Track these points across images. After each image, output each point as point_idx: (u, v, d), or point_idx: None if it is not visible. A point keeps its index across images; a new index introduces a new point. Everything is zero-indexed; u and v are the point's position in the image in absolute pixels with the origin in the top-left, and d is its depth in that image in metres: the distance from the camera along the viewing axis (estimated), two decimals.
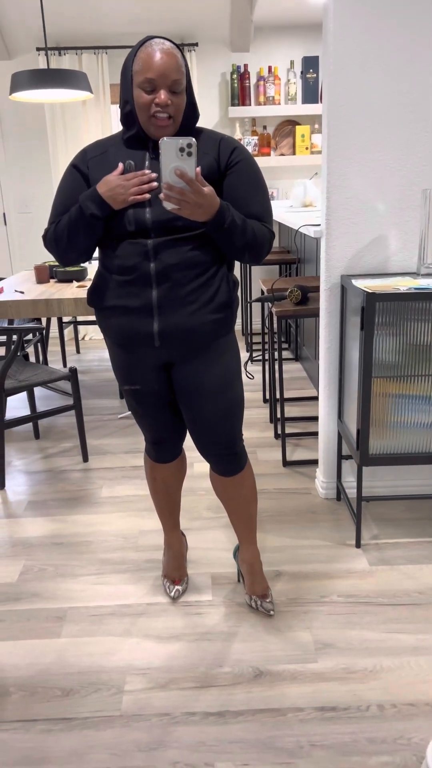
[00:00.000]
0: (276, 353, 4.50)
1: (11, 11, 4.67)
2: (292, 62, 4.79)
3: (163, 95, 1.46)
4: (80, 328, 5.54)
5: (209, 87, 4.91)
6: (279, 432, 3.23)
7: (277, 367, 3.59)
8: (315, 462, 2.88)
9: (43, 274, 3.62)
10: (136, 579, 2.11)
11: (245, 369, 3.00)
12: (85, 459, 3.03)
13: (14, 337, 3.35)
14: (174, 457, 1.91)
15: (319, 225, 2.68)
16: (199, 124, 5.03)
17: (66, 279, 3.64)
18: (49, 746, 1.50)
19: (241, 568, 2.00)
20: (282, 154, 5.04)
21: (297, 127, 4.91)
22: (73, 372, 2.92)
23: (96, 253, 5.23)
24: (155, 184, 1.51)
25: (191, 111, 1.56)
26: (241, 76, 4.79)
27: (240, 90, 4.82)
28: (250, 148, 4.91)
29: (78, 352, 5.04)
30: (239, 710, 1.58)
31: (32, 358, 4.93)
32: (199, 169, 1.40)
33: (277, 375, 3.73)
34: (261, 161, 4.94)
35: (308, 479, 2.75)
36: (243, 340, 5.15)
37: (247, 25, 4.52)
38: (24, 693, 1.66)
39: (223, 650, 1.78)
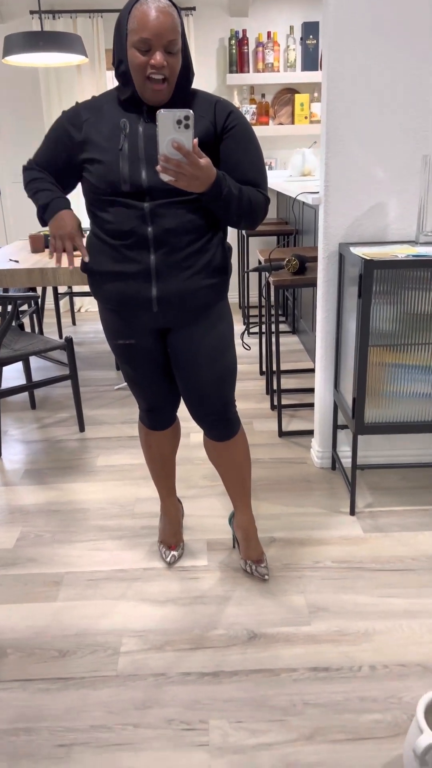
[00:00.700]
0: (273, 325, 4.49)
1: None
2: (291, 28, 4.69)
3: (158, 56, 1.42)
4: (76, 299, 5.51)
5: (207, 53, 4.82)
6: (275, 403, 3.24)
7: (274, 339, 3.59)
8: (310, 432, 2.89)
9: (38, 243, 3.58)
10: (132, 545, 2.13)
11: (242, 340, 2.99)
12: (82, 429, 3.03)
13: (9, 307, 3.34)
14: (168, 425, 1.92)
15: (317, 193, 2.65)
16: None
17: None
18: (46, 704, 1.53)
19: (236, 533, 2.02)
20: (281, 123, 4.97)
21: (296, 95, 4.82)
22: (69, 342, 2.90)
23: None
24: (87, 259, 1.59)
25: (186, 73, 1.52)
26: (239, 41, 4.69)
27: (238, 56, 4.73)
28: (248, 117, 4.83)
29: (74, 323, 5.01)
30: (234, 670, 1.60)
31: (27, 329, 4.91)
32: (196, 140, 1.38)
33: (273, 347, 3.72)
34: (259, 130, 4.86)
35: (304, 449, 2.76)
36: (240, 312, 5.13)
37: None
38: (21, 654, 1.68)
39: (217, 613, 1.80)
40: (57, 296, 4.46)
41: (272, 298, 3.29)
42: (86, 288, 5.32)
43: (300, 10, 4.75)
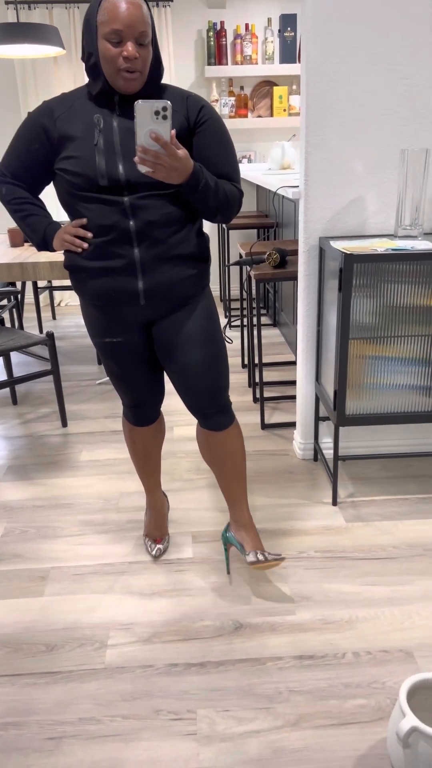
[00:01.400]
0: (255, 318, 4.51)
1: None
2: (269, 20, 4.69)
3: (130, 47, 1.42)
4: (56, 293, 5.47)
5: (185, 45, 4.80)
6: (257, 396, 3.26)
7: (255, 332, 3.60)
8: (293, 424, 2.92)
9: (17, 238, 3.55)
10: (117, 539, 2.14)
11: (224, 334, 3.01)
12: (64, 424, 3.03)
13: None
14: (153, 420, 1.92)
15: (297, 187, 2.66)
16: (176, 84, 4.92)
17: None
18: (35, 698, 1.54)
19: (237, 536, 1.91)
20: (259, 116, 4.97)
21: (275, 88, 4.83)
22: (50, 336, 2.89)
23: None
24: (89, 234, 1.56)
25: (156, 65, 1.53)
26: (217, 33, 4.68)
27: (216, 48, 4.71)
28: (227, 110, 4.83)
29: (54, 318, 4.99)
30: (220, 660, 1.63)
31: (7, 324, 4.87)
32: (174, 132, 1.39)
33: (255, 340, 3.74)
34: (238, 123, 4.86)
35: (286, 441, 2.79)
36: (221, 305, 5.14)
37: None
38: (8, 649, 1.69)
39: (204, 605, 1.83)
40: (36, 290, 4.43)
41: (254, 292, 3.31)
42: (66, 282, 5.29)
43: (278, 2, 4.74)
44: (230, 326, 4.55)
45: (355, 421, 2.17)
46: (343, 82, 2.12)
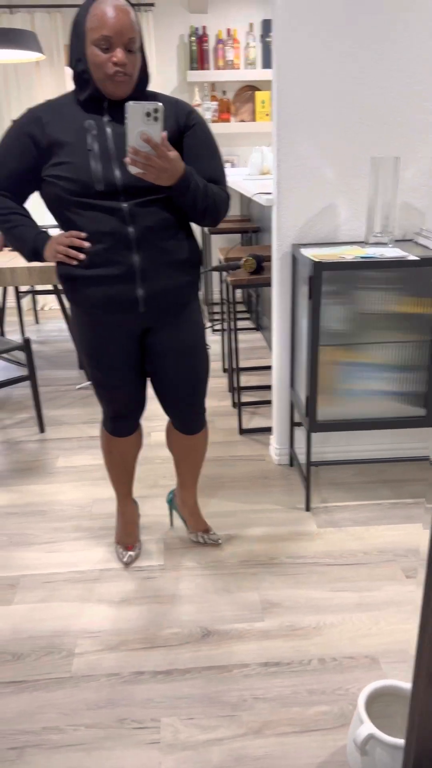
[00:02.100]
0: (235, 323, 4.51)
1: None
2: (251, 25, 4.71)
3: (120, 53, 1.44)
4: (39, 298, 5.46)
5: (167, 50, 4.80)
6: (236, 401, 3.27)
7: (233, 336, 3.61)
8: (270, 429, 2.93)
9: None
10: (89, 546, 2.14)
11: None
12: (42, 430, 3.03)
13: None
14: (133, 431, 1.93)
15: (270, 193, 2.67)
16: (157, 89, 4.92)
17: None
18: None
19: (182, 511, 2.14)
20: (242, 120, 4.99)
21: (257, 92, 4.85)
22: (27, 342, 2.89)
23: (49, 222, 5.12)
24: (86, 244, 1.54)
25: (143, 71, 1.55)
26: (199, 38, 4.69)
27: (198, 53, 4.73)
28: (209, 114, 4.84)
29: (37, 322, 4.98)
30: (186, 668, 1.63)
31: None
32: (165, 134, 1.41)
33: (233, 345, 3.74)
34: (221, 127, 4.88)
35: (263, 446, 2.80)
36: (204, 311, 5.14)
37: None
38: None
39: (172, 612, 1.83)
40: (18, 294, 4.42)
41: (231, 297, 3.31)
42: (48, 286, 5.28)
43: (259, 8, 4.76)
44: (213, 331, 4.56)
45: (327, 427, 2.18)
46: (313, 90, 2.13)
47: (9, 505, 2.40)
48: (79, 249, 1.56)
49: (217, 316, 4.96)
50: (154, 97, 1.60)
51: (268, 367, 3.70)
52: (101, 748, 1.42)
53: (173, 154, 1.43)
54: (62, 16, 4.68)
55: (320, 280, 1.99)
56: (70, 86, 5.12)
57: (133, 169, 1.42)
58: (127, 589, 1.93)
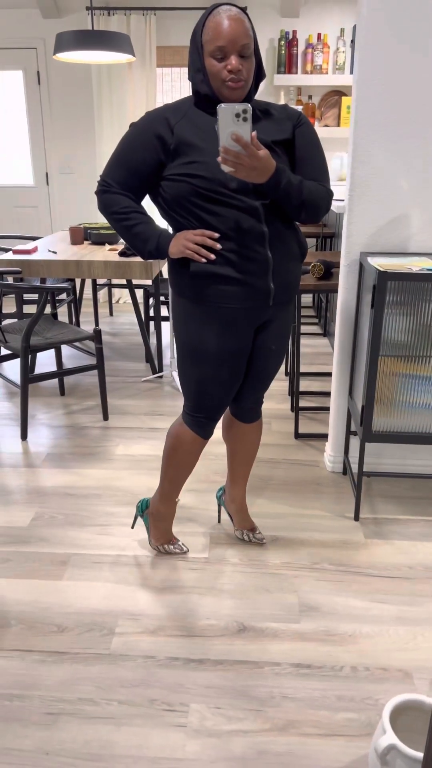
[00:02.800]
0: (298, 328, 4.51)
1: None
2: (342, 30, 4.68)
3: (234, 61, 1.52)
4: (115, 291, 5.63)
5: None
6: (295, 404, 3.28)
7: (294, 341, 3.62)
8: (326, 436, 2.93)
9: (78, 236, 3.70)
10: (139, 533, 2.21)
11: None
12: (105, 417, 3.14)
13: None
14: (212, 433, 1.93)
15: (343, 200, 2.67)
16: None
17: (99, 242, 3.72)
18: (41, 674, 1.63)
19: (229, 508, 2.18)
20: (326, 125, 4.97)
21: (343, 97, 4.82)
22: (97, 333, 3.01)
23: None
24: (218, 246, 1.60)
25: (258, 70, 1.63)
26: (288, 42, 4.71)
27: (287, 57, 4.74)
28: None
29: (111, 314, 5.14)
30: (219, 659, 1.68)
31: (66, 319, 5.06)
32: (254, 133, 1.46)
33: (294, 349, 3.74)
34: None
35: (318, 452, 2.80)
36: None
37: None
38: (23, 626, 1.79)
39: (212, 604, 1.88)
40: (95, 286, 4.59)
41: (298, 302, 3.32)
42: (122, 280, 5.44)
43: (351, 12, 4.73)
44: None
45: (382, 437, 2.17)
46: (392, 98, 2.12)
47: (68, 486, 2.52)
48: (211, 249, 1.62)
49: None
50: (268, 104, 1.69)
51: (330, 374, 3.68)
52: (130, 724, 1.49)
53: (263, 152, 1.48)
54: (156, 18, 4.81)
55: (384, 289, 1.98)
56: (160, 86, 5.26)
57: (225, 168, 1.49)
58: (171, 578, 1.99)
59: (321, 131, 4.86)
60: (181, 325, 1.75)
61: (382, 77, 2.11)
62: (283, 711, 1.53)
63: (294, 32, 4.70)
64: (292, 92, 4.89)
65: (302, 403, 3.36)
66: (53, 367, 3.90)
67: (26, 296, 4.30)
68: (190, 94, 1.67)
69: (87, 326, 4.80)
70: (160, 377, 3.73)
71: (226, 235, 1.61)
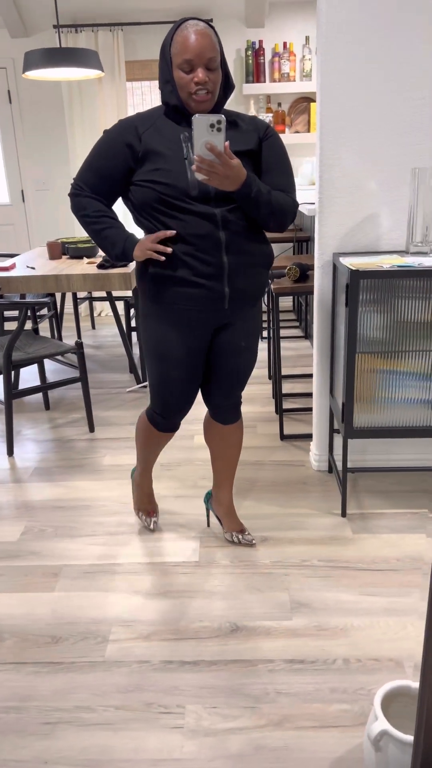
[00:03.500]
0: (277, 331, 4.55)
1: None
2: (307, 38, 4.77)
3: (200, 73, 1.59)
4: (96, 304, 5.65)
5: None
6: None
7: (274, 344, 3.66)
8: (310, 436, 2.96)
9: (56, 251, 3.73)
10: (129, 541, 2.23)
11: None
12: (92, 429, 3.15)
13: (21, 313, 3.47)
14: (176, 428, 2.03)
15: (314, 203, 2.72)
16: None
17: (77, 255, 3.74)
18: (36, 686, 1.64)
19: (217, 511, 2.22)
20: (297, 132, 5.04)
21: (312, 104, 4.89)
22: (79, 346, 3.03)
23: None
24: (169, 249, 1.66)
25: (226, 82, 1.70)
26: (255, 52, 4.78)
27: (255, 66, 4.82)
28: None
29: (93, 327, 5.16)
30: (213, 660, 1.69)
31: (47, 333, 5.07)
32: (228, 143, 1.54)
33: (274, 352, 3.79)
34: None
35: (303, 452, 2.84)
36: None
37: (262, 0, 4.51)
38: (17, 639, 1.80)
39: (204, 607, 1.89)
40: (76, 300, 4.60)
41: (275, 305, 3.36)
42: (102, 293, 5.45)
43: (315, 21, 4.81)
44: (261, 338, 4.62)
45: (364, 433, 2.21)
46: (356, 100, 2.18)
47: (57, 498, 2.53)
48: (167, 245, 1.69)
49: (263, 324, 5.01)
50: (237, 115, 1.75)
51: (312, 375, 3.72)
52: (128, 728, 1.50)
53: (235, 161, 1.56)
54: (123, 34, 4.86)
55: (357, 288, 2.02)
56: (130, 101, 5.31)
57: (199, 175, 1.56)
58: (162, 583, 2.00)
59: (291, 137, 4.94)
60: (143, 324, 1.86)
61: (343, 79, 2.16)
62: (277, 706, 1.55)
63: (260, 42, 4.78)
64: (261, 100, 4.96)
65: (286, 405, 3.39)
66: (37, 382, 3.91)
67: (6, 313, 4.31)
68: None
69: (69, 340, 4.82)
70: (145, 387, 3.75)
71: (185, 239, 1.66)
